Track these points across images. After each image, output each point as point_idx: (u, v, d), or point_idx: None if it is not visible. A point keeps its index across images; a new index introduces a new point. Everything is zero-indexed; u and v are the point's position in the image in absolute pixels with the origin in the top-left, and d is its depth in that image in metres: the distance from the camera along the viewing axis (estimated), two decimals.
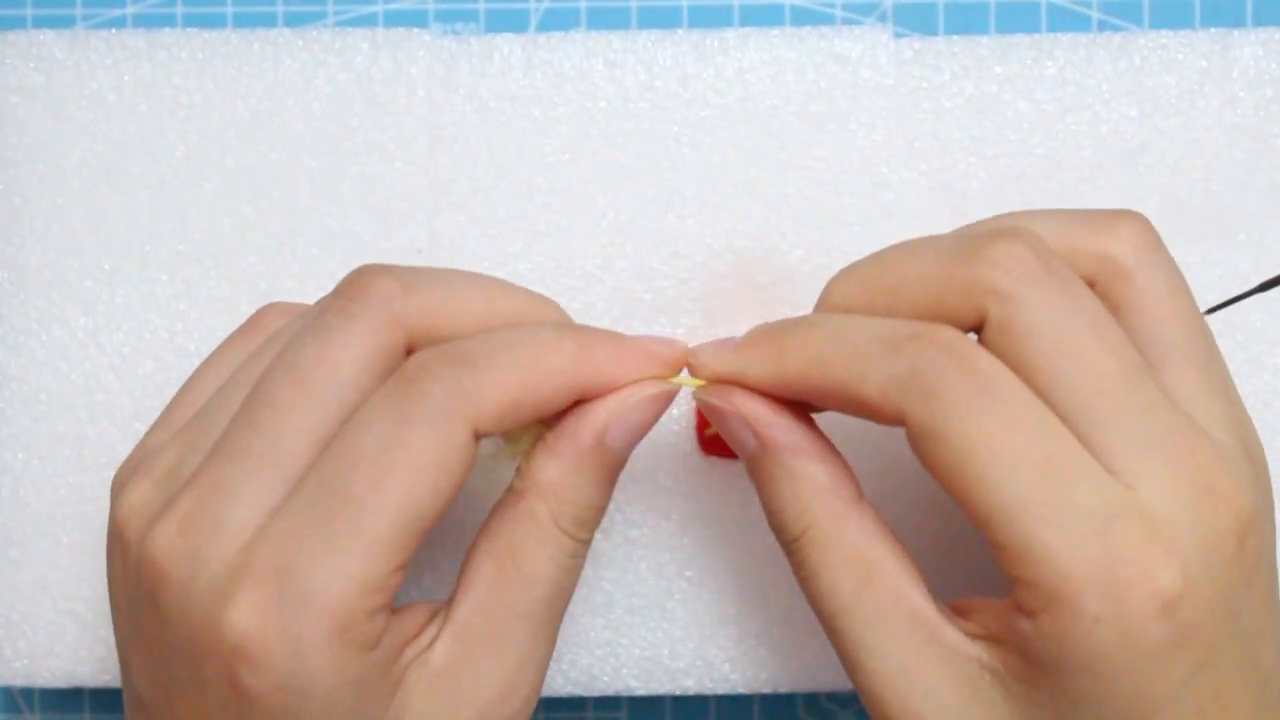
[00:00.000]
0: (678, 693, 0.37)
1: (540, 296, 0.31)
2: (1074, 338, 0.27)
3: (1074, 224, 0.30)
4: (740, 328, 0.37)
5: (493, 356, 0.28)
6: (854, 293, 0.30)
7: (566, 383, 0.28)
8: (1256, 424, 0.37)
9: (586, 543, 0.30)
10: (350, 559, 0.26)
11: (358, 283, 0.29)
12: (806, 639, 0.37)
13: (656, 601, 0.37)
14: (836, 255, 0.37)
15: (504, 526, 0.29)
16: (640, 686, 0.37)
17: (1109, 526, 0.25)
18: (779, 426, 0.29)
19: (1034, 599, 0.26)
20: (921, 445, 0.27)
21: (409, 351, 0.29)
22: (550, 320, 0.30)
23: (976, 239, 0.28)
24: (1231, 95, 0.38)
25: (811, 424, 0.30)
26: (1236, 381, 0.37)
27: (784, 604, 0.37)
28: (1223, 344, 0.37)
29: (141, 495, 0.29)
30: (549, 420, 0.30)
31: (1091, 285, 0.29)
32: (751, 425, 0.29)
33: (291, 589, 0.26)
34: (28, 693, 0.41)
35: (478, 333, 0.29)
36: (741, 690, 0.37)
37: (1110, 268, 0.29)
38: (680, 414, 0.37)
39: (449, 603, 0.29)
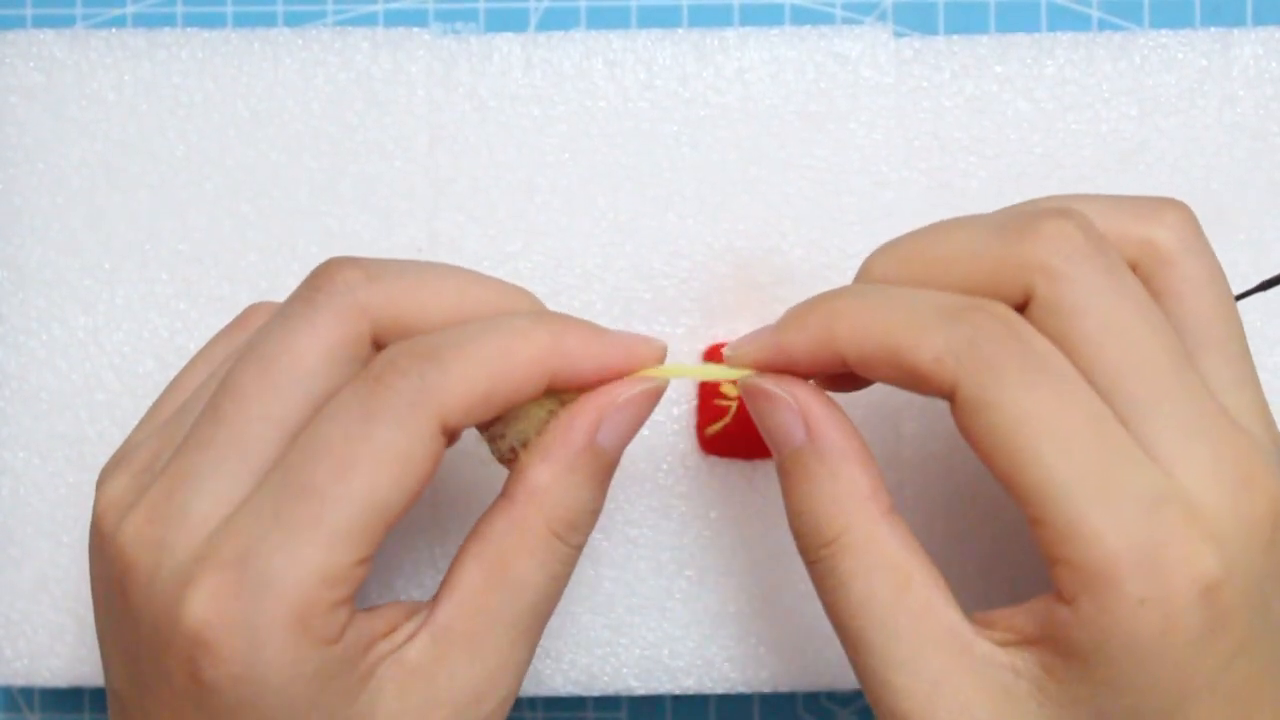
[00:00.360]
0: (678, 692, 0.37)
1: (515, 287, 0.30)
2: (1122, 320, 0.26)
3: (1118, 209, 0.29)
4: (740, 327, 0.37)
5: (461, 349, 0.27)
6: (897, 266, 0.29)
7: (538, 373, 0.28)
8: None
9: (578, 549, 0.30)
10: (310, 549, 0.26)
11: (324, 273, 0.29)
12: (806, 638, 0.37)
13: (656, 601, 0.37)
14: (836, 255, 0.37)
15: (494, 531, 0.29)
16: (640, 686, 0.37)
17: (1155, 510, 0.25)
18: (833, 423, 0.29)
19: (1076, 581, 0.25)
20: (972, 417, 0.26)
21: (379, 344, 0.29)
22: (525, 309, 0.30)
23: (1027, 216, 0.28)
24: (1231, 94, 0.38)
25: (856, 430, 0.29)
26: None
27: (784, 603, 0.37)
28: None
29: (118, 489, 0.29)
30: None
31: (1133, 270, 0.29)
32: (805, 417, 0.29)
33: (250, 577, 0.26)
34: (28, 692, 0.41)
35: (450, 323, 0.28)
36: (741, 689, 0.37)
37: (1153, 254, 0.29)
38: (680, 413, 0.37)
39: (431, 603, 0.29)
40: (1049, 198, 0.30)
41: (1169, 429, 0.26)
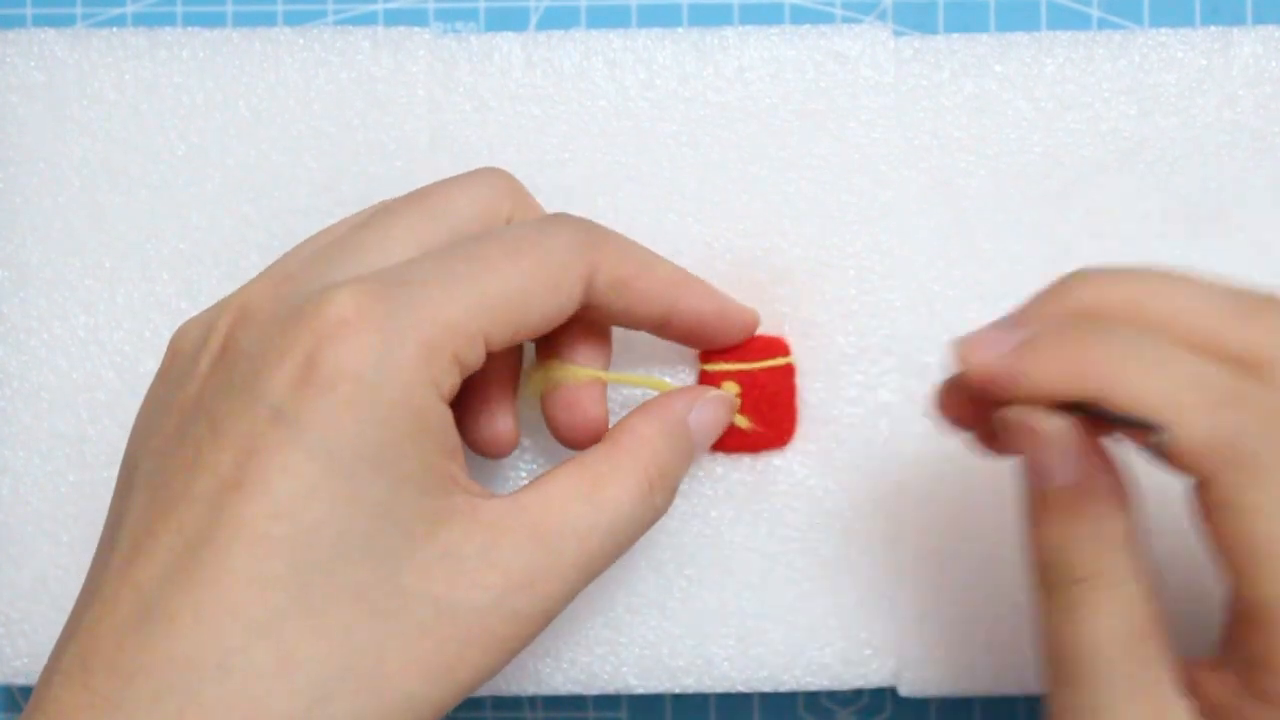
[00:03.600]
0: (677, 691, 0.37)
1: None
2: None
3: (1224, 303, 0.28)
4: None
5: (627, 242, 0.32)
6: (1120, 303, 0.28)
7: (668, 292, 0.32)
8: None
9: (655, 514, 0.31)
10: (462, 295, 0.27)
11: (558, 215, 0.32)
12: (805, 638, 0.37)
13: (656, 600, 0.37)
14: (836, 253, 0.37)
15: (594, 458, 0.30)
16: (640, 685, 0.37)
17: None
18: (1105, 467, 0.28)
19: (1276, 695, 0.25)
20: (1216, 513, 0.26)
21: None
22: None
23: (1254, 302, 0.27)
24: (1231, 93, 0.38)
25: (1120, 473, 0.29)
26: None
27: (784, 603, 0.37)
28: None
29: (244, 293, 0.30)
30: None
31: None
32: (1080, 458, 0.28)
33: (400, 292, 0.27)
34: (28, 691, 0.41)
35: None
36: (741, 689, 0.37)
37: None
38: None
39: (517, 492, 0.30)
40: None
41: None
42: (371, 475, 0.26)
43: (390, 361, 0.26)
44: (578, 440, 0.33)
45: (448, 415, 0.28)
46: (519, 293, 0.29)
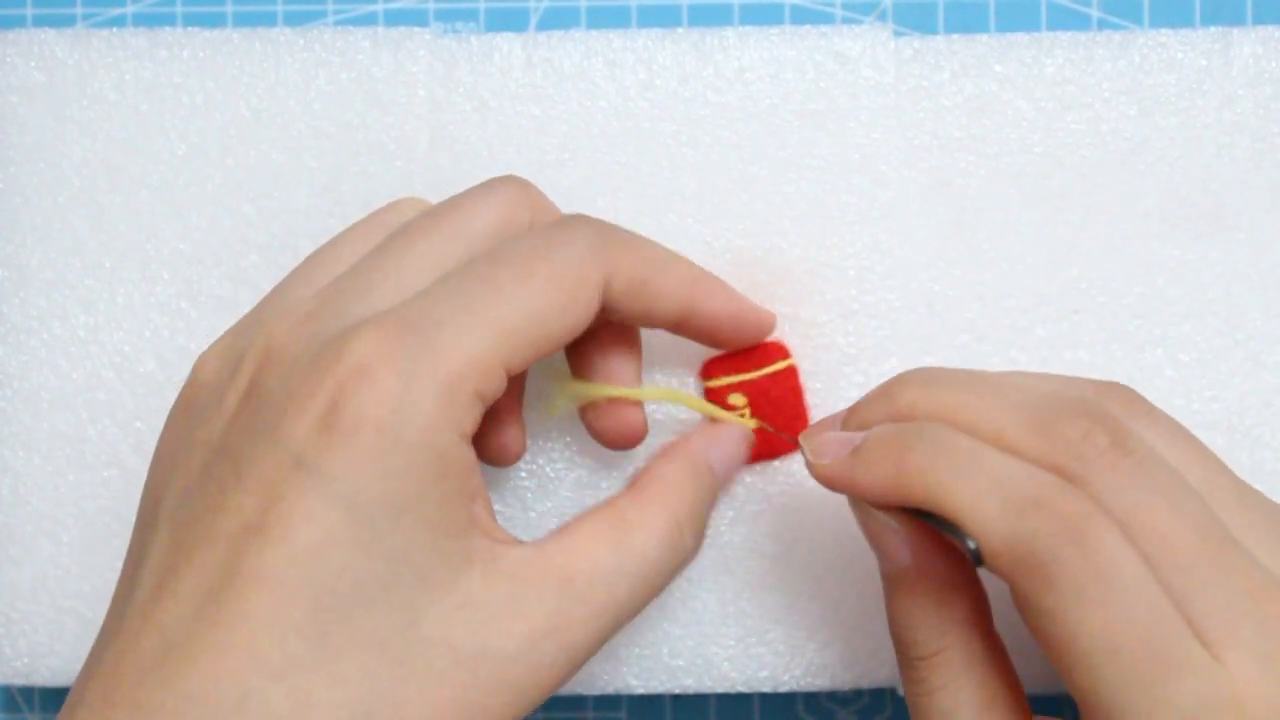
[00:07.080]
0: (677, 691, 0.37)
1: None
2: (1146, 516, 0.26)
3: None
4: None
5: (641, 241, 0.31)
6: (936, 407, 0.29)
7: (684, 293, 0.32)
8: (1256, 422, 0.37)
9: (682, 559, 0.31)
10: (478, 328, 0.27)
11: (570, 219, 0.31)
12: (805, 638, 0.37)
13: (656, 600, 0.37)
14: (836, 254, 0.37)
15: (619, 503, 0.30)
16: (640, 685, 0.37)
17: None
18: (937, 554, 0.29)
19: None
20: (1026, 613, 0.27)
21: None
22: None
23: (1051, 413, 0.28)
24: (1231, 94, 0.38)
25: (957, 551, 0.30)
26: (1235, 380, 0.37)
27: (783, 603, 0.37)
28: (1222, 343, 0.37)
29: (221, 345, 0.31)
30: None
31: None
32: (911, 543, 0.29)
33: (417, 332, 0.27)
34: (27, 691, 0.41)
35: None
36: (741, 689, 0.37)
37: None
38: (686, 417, 0.37)
39: (539, 540, 0.29)
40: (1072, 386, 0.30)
41: (1213, 613, 0.26)
42: (392, 522, 0.26)
43: (411, 405, 0.26)
44: (622, 443, 0.34)
45: (470, 456, 0.28)
46: (537, 313, 0.28)
